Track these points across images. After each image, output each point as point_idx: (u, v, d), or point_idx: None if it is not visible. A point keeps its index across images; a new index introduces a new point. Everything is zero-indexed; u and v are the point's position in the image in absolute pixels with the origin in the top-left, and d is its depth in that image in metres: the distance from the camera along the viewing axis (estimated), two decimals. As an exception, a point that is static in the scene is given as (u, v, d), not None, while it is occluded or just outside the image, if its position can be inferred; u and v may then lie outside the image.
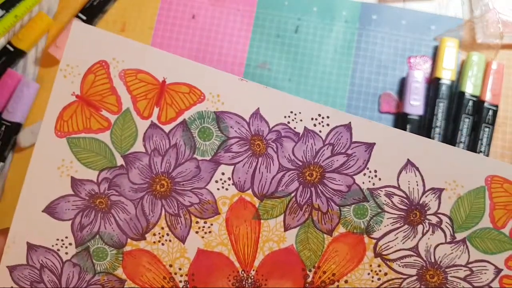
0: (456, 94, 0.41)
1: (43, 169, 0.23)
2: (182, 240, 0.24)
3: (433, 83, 0.41)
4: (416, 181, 0.24)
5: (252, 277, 0.24)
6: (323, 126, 0.24)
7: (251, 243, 0.24)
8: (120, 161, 0.23)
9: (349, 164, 0.24)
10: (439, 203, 0.23)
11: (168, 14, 0.44)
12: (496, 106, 0.40)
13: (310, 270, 0.23)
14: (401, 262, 0.23)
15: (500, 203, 0.24)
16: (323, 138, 0.24)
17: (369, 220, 0.23)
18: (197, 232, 0.24)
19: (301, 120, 0.24)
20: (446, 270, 0.23)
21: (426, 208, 0.23)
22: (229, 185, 0.24)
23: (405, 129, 0.40)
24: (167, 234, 0.24)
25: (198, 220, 0.24)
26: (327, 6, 0.44)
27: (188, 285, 0.24)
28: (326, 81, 0.43)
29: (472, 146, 0.40)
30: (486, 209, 0.24)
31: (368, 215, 0.23)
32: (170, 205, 0.23)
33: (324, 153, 0.24)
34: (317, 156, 0.24)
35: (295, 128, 0.24)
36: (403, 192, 0.24)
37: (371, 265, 0.23)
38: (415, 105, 0.40)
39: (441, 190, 0.23)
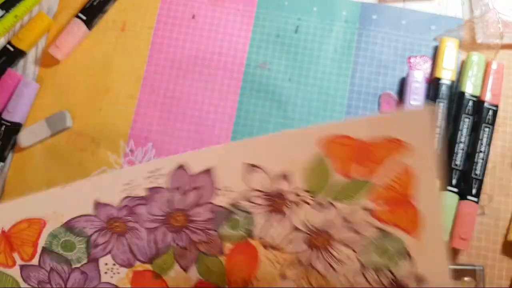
0: (456, 94, 0.41)
1: None
2: None
3: (433, 83, 0.41)
4: (262, 176, 0.24)
5: None
6: (159, 177, 0.24)
7: None
8: None
9: (202, 194, 0.25)
10: (291, 182, 0.24)
11: (168, 14, 0.44)
12: (496, 106, 0.40)
13: (225, 287, 0.24)
14: (289, 243, 0.24)
15: (340, 157, 0.24)
16: (166, 186, 0.25)
17: (244, 226, 0.25)
18: None
19: (138, 185, 0.24)
20: (329, 232, 0.24)
21: (283, 193, 0.24)
22: (118, 268, 0.24)
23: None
24: None
25: None
26: (327, 6, 0.44)
27: None
28: (326, 81, 0.43)
29: (472, 146, 0.40)
30: (330, 168, 0.25)
31: (241, 223, 0.25)
32: None
33: (175, 198, 0.24)
34: (171, 203, 0.24)
35: (137, 194, 0.24)
36: (257, 190, 0.24)
37: (268, 257, 0.24)
38: (415, 105, 0.40)
39: (288, 174, 0.24)
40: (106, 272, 0.24)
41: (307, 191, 0.24)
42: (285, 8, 0.44)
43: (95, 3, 0.43)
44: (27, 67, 0.44)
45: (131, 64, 0.43)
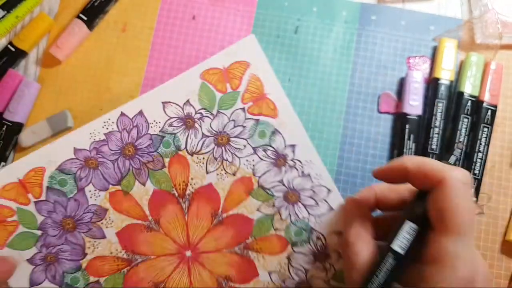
0: (455, 94, 0.41)
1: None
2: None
3: (432, 83, 0.41)
4: (175, 107, 0.36)
5: (153, 221, 0.35)
6: (111, 124, 0.36)
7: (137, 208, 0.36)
8: (38, 232, 0.35)
9: (140, 129, 0.36)
10: (193, 106, 0.37)
11: (169, 14, 0.44)
12: (495, 106, 0.40)
13: (172, 190, 0.35)
14: (203, 147, 0.35)
15: (215, 81, 0.37)
16: (117, 129, 0.36)
17: (173, 144, 0.35)
18: (105, 227, 0.35)
19: (99, 132, 0.36)
20: (226, 131, 0.36)
21: (191, 114, 0.36)
22: (98, 192, 0.35)
23: (404, 129, 0.40)
24: None
25: (102, 221, 0.35)
26: (326, 7, 0.44)
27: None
28: (326, 81, 0.43)
29: (471, 146, 0.40)
30: (213, 90, 0.37)
31: (171, 143, 0.35)
32: (76, 236, 0.35)
33: (123, 136, 0.35)
34: (122, 140, 0.35)
35: (100, 138, 0.36)
36: (175, 117, 0.36)
37: (194, 161, 0.35)
38: (414, 105, 0.41)
39: (190, 101, 0.37)
40: (91, 197, 0.34)
41: (204, 109, 0.35)
42: (285, 9, 0.44)
43: (96, 4, 0.43)
44: (29, 68, 0.44)
45: (132, 65, 0.44)
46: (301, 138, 0.36)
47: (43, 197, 0.34)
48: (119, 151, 0.34)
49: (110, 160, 0.34)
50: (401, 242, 0.26)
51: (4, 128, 0.41)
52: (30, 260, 0.33)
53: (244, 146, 0.35)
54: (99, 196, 0.34)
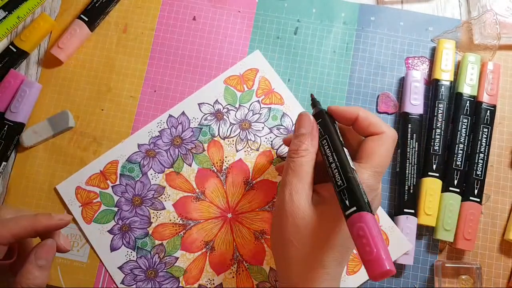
0: (454, 95, 0.41)
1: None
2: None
3: (432, 85, 0.42)
4: (207, 106, 0.44)
5: (200, 192, 0.43)
6: (162, 124, 0.43)
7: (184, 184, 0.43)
8: (115, 209, 0.42)
9: (183, 125, 0.44)
10: (221, 103, 0.44)
11: (169, 15, 0.45)
12: (494, 106, 0.40)
13: (212, 167, 0.43)
14: (231, 132, 0.43)
15: (235, 83, 0.44)
16: (167, 127, 0.44)
17: (209, 133, 0.43)
18: (164, 200, 0.43)
19: (154, 130, 0.44)
20: (248, 119, 0.43)
21: (220, 109, 0.44)
22: (157, 175, 0.43)
23: (407, 129, 0.40)
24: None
25: (162, 196, 0.43)
26: (326, 8, 0.44)
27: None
28: (325, 81, 0.43)
29: (472, 147, 0.40)
30: (234, 90, 0.44)
31: (207, 132, 0.43)
32: (143, 209, 0.43)
33: (172, 131, 0.43)
34: (171, 134, 0.43)
35: (155, 135, 0.43)
36: (208, 113, 0.44)
37: (226, 143, 0.43)
38: (415, 105, 0.41)
39: (218, 99, 0.44)
40: (152, 179, 0.42)
41: (229, 105, 0.43)
42: (285, 10, 0.45)
43: (97, 5, 0.44)
44: (30, 68, 0.44)
45: (133, 65, 0.44)
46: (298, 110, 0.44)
47: (117, 182, 0.42)
48: (170, 142, 0.43)
49: (164, 150, 0.43)
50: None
51: (5, 128, 0.41)
52: (110, 231, 0.42)
53: (262, 128, 0.43)
54: (158, 177, 0.42)
